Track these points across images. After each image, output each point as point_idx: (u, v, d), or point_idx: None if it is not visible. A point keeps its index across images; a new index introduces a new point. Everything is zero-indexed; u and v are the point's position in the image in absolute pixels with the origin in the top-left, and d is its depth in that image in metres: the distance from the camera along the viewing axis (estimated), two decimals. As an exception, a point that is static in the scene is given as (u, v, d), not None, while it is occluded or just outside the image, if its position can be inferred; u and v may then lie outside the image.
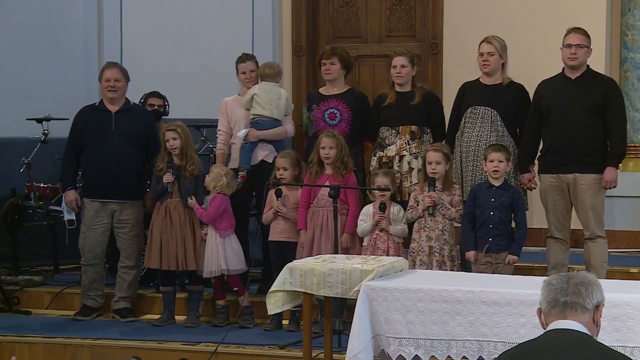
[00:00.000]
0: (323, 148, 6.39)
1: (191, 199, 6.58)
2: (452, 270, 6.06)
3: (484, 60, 6.55)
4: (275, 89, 6.97)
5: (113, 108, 6.89)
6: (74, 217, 7.22)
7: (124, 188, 6.83)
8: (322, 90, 7.03)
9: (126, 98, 6.99)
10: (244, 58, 7.12)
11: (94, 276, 6.91)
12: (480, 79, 6.68)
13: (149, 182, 6.93)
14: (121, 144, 6.80)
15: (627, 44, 8.09)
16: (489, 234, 6.03)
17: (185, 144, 6.65)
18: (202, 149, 7.78)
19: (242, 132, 6.85)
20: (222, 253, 6.51)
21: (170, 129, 6.67)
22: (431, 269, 6.00)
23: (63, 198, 7.09)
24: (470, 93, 6.64)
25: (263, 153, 6.90)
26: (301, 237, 6.42)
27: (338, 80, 6.93)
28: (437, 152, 6.19)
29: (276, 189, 6.45)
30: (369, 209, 6.31)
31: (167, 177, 6.60)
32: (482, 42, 6.59)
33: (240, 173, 6.81)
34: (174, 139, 6.64)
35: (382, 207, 6.18)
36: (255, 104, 6.88)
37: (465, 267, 6.26)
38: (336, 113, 6.83)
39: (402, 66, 6.71)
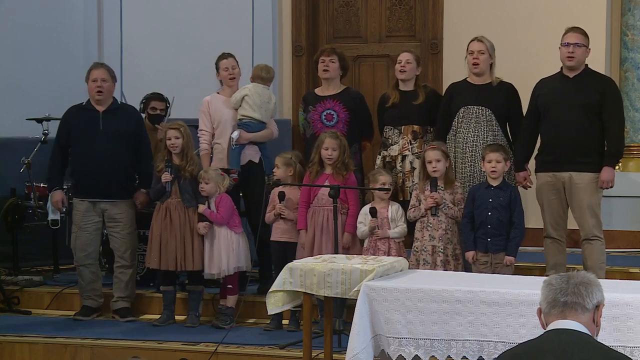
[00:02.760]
0: (326, 149, 6.37)
1: (203, 204, 6.54)
2: (457, 269, 6.06)
3: (474, 59, 6.52)
4: (266, 92, 7.00)
5: (100, 108, 6.88)
6: (58, 218, 7.21)
7: (114, 187, 6.82)
8: (317, 91, 7.03)
9: (114, 97, 6.99)
10: (226, 55, 7.11)
11: (90, 276, 6.90)
12: (467, 79, 6.64)
13: (137, 181, 6.96)
14: (110, 143, 6.79)
15: (627, 44, 8.09)
16: (487, 234, 6.03)
17: (187, 144, 6.66)
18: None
19: (235, 134, 6.85)
20: (236, 250, 6.51)
21: (173, 128, 6.67)
22: (435, 268, 6.00)
23: (49, 198, 7.07)
24: (461, 93, 6.59)
25: (250, 154, 6.94)
26: (301, 237, 6.41)
27: (334, 80, 6.92)
28: (435, 150, 6.18)
29: (279, 192, 6.44)
30: (367, 209, 6.30)
31: (166, 177, 6.60)
32: (472, 40, 6.59)
33: (232, 175, 6.80)
34: (177, 137, 6.64)
35: (373, 212, 6.17)
36: (246, 104, 6.88)
37: (466, 266, 6.25)
38: (333, 114, 6.82)
39: (407, 61, 6.70)
